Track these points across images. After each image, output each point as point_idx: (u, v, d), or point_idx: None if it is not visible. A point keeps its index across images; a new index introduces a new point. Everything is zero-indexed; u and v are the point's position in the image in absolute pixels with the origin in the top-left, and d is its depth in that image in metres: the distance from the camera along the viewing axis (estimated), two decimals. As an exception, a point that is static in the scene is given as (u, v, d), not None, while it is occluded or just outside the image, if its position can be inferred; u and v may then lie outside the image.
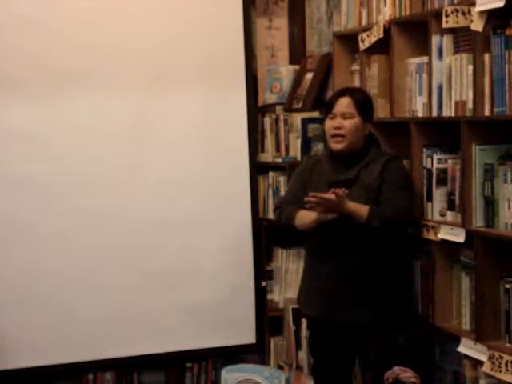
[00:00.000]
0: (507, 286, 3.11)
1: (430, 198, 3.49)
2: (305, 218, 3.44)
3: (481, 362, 3.15)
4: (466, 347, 3.25)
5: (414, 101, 3.61)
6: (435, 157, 3.46)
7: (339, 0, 4.30)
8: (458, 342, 3.30)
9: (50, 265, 4.35)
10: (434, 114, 3.43)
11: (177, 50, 4.51)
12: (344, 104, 3.48)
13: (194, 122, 4.54)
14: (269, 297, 4.71)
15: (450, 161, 3.41)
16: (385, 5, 3.82)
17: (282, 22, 4.86)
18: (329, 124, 3.51)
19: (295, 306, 4.16)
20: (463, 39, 3.31)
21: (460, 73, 3.27)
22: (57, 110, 4.33)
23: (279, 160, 4.60)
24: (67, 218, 4.36)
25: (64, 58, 4.33)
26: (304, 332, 4.31)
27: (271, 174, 4.68)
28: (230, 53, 4.60)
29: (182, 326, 4.56)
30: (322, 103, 4.40)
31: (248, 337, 4.69)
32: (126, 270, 4.46)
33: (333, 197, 3.27)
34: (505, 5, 2.95)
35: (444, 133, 3.49)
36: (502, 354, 3.04)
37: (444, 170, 3.43)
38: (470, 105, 3.20)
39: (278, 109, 4.70)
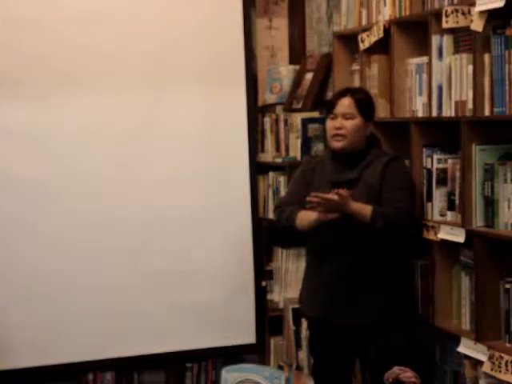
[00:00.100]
0: (507, 285, 3.10)
1: (429, 198, 3.48)
2: (305, 218, 3.44)
3: (481, 362, 3.15)
4: (466, 347, 3.24)
5: (414, 101, 3.61)
6: (435, 157, 3.45)
7: (339, 0, 4.29)
8: (457, 342, 3.29)
9: (50, 265, 4.35)
10: (434, 114, 3.43)
11: (177, 50, 4.51)
12: (345, 104, 3.47)
13: (194, 122, 4.54)
14: (269, 297, 4.71)
15: (449, 161, 3.40)
16: (385, 5, 3.82)
17: (281, 22, 4.86)
18: (330, 124, 3.50)
19: (295, 305, 4.16)
20: (463, 39, 3.31)
21: (460, 73, 3.26)
22: (57, 110, 4.34)
23: (279, 160, 4.60)
24: (67, 217, 4.36)
25: (64, 58, 4.33)
26: (304, 332, 4.31)
27: (271, 174, 4.68)
28: (230, 53, 4.60)
29: (182, 326, 4.56)
30: (322, 103, 4.41)
31: (248, 337, 4.69)
32: (126, 269, 4.46)
33: (335, 197, 3.27)
34: (505, 5, 2.95)
35: (444, 133, 3.49)
36: (502, 354, 3.04)
37: (444, 170, 3.42)
38: (469, 105, 3.20)
39: (278, 109, 4.71)
